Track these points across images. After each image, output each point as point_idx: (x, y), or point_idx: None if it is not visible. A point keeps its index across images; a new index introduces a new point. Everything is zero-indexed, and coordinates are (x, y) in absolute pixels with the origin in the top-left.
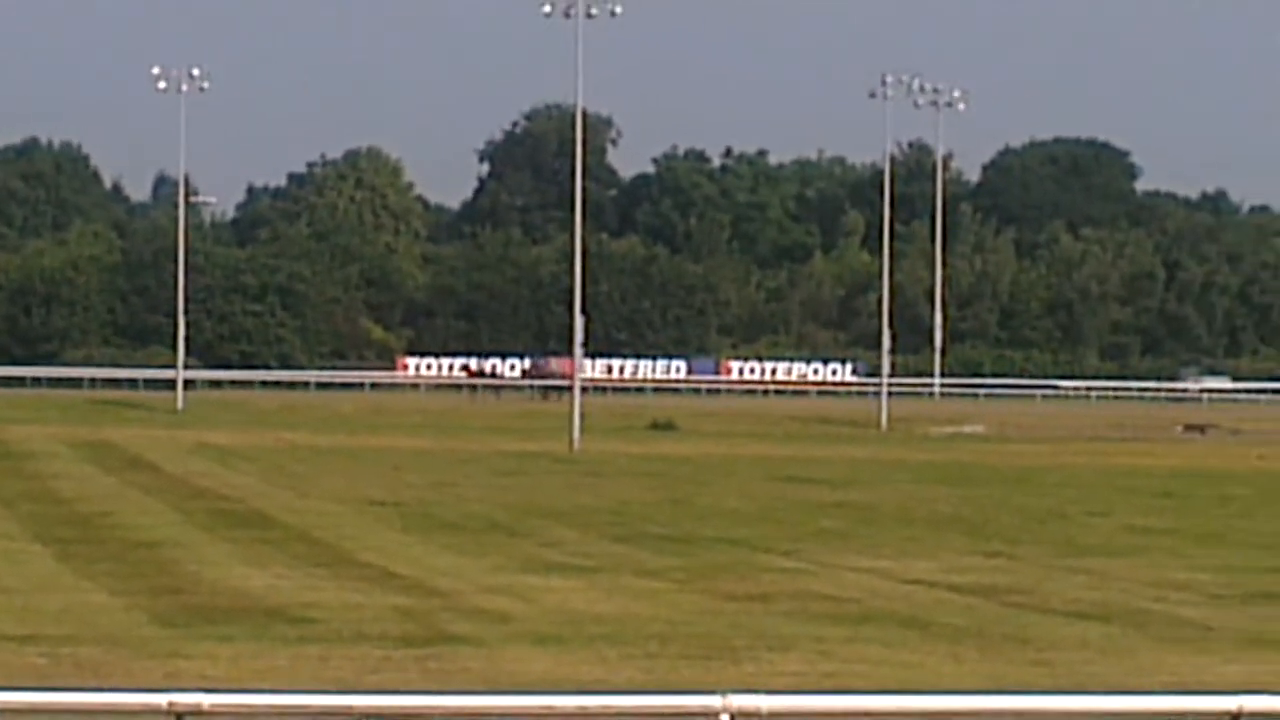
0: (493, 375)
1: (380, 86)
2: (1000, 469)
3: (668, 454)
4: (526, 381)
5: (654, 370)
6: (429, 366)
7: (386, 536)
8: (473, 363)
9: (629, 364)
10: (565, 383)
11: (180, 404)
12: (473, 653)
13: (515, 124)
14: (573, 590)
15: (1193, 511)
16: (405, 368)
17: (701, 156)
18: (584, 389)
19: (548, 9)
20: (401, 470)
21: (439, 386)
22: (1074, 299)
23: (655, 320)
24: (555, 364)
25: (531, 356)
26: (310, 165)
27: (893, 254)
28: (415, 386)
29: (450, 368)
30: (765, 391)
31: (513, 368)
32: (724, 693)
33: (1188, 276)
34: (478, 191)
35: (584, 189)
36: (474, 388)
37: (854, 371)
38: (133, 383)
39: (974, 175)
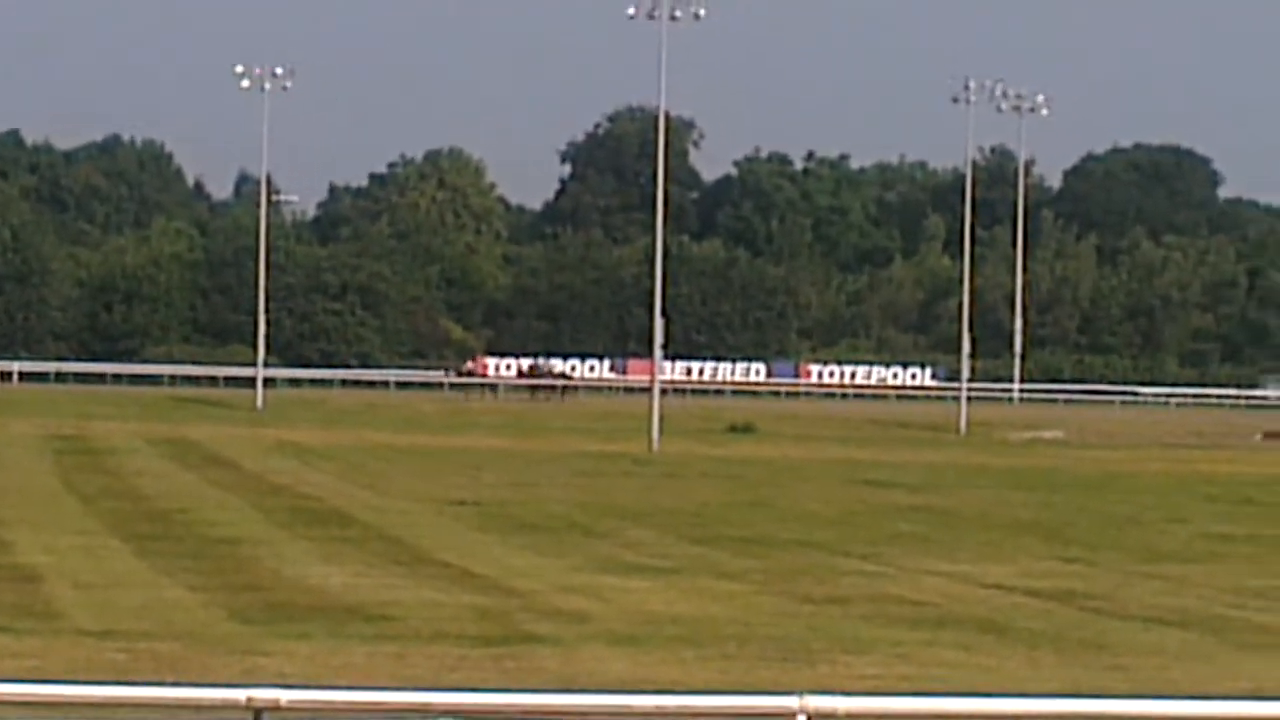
0: (483, 375)
1: (462, 87)
2: (1079, 475)
3: (746, 456)
4: (522, 381)
5: (733, 373)
6: (509, 367)
7: (465, 536)
8: (469, 363)
9: (708, 366)
10: (561, 384)
11: (260, 402)
12: (550, 652)
13: (597, 125)
14: (650, 591)
15: (1272, 519)
16: (485, 368)
17: (783, 159)
18: (663, 391)
19: (631, 11)
20: (480, 470)
21: (519, 387)
22: (1155, 305)
23: (735, 323)
24: (550, 365)
25: (533, 359)
26: (392, 165)
27: (973, 259)
28: (494, 387)
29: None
30: (844, 395)
31: (509, 367)
32: (801, 694)
33: (1269, 284)
34: (559, 193)
35: (665, 191)
36: (466, 387)
37: (933, 376)
38: (213, 380)
39: (1056, 181)
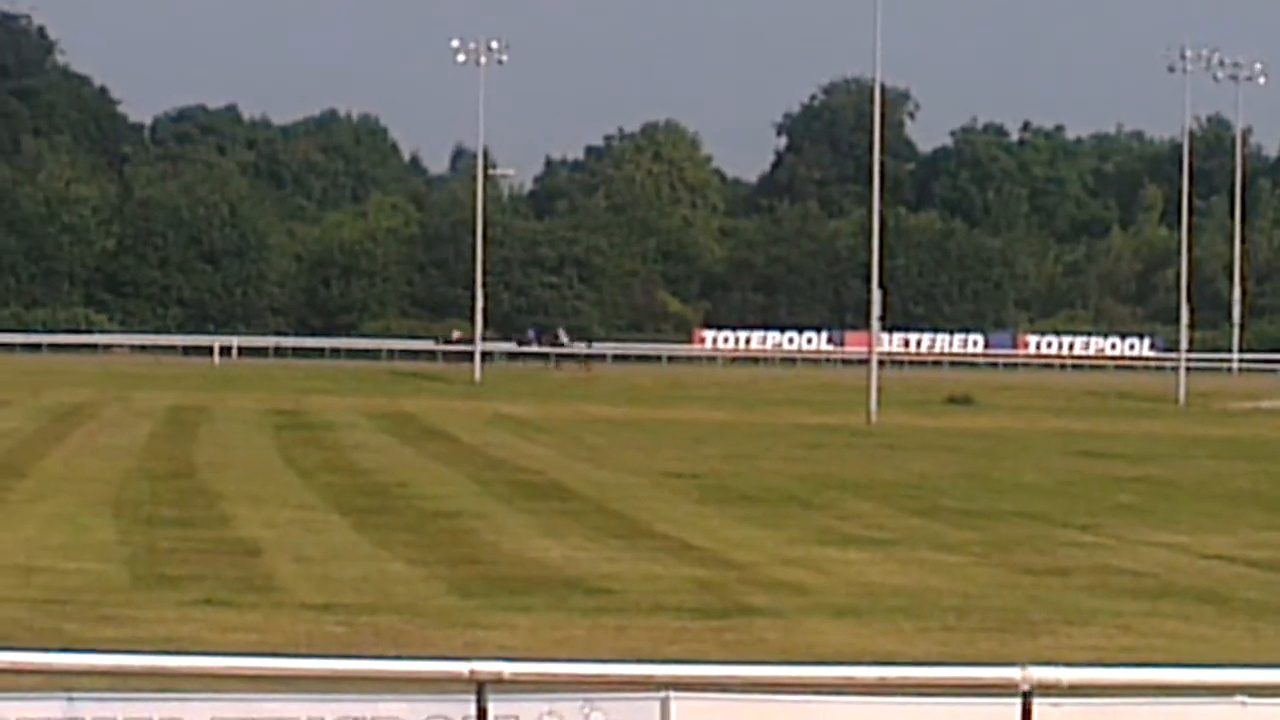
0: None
1: (678, 60)
2: None
3: (964, 428)
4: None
5: (951, 344)
6: (726, 339)
7: (683, 508)
8: (455, 334)
9: (926, 338)
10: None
11: (478, 375)
12: (770, 624)
13: (813, 97)
14: (870, 563)
15: None
16: (702, 341)
17: (1000, 130)
18: (881, 363)
19: None
20: (698, 442)
21: (736, 359)
22: None
23: (952, 294)
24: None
25: (541, 331)
26: (608, 138)
27: (1191, 229)
28: (712, 359)
29: (748, 340)
30: (1062, 366)
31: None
32: (1023, 665)
33: None
34: (775, 165)
35: (882, 163)
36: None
37: (1152, 346)
38: (431, 354)
39: (1274, 150)
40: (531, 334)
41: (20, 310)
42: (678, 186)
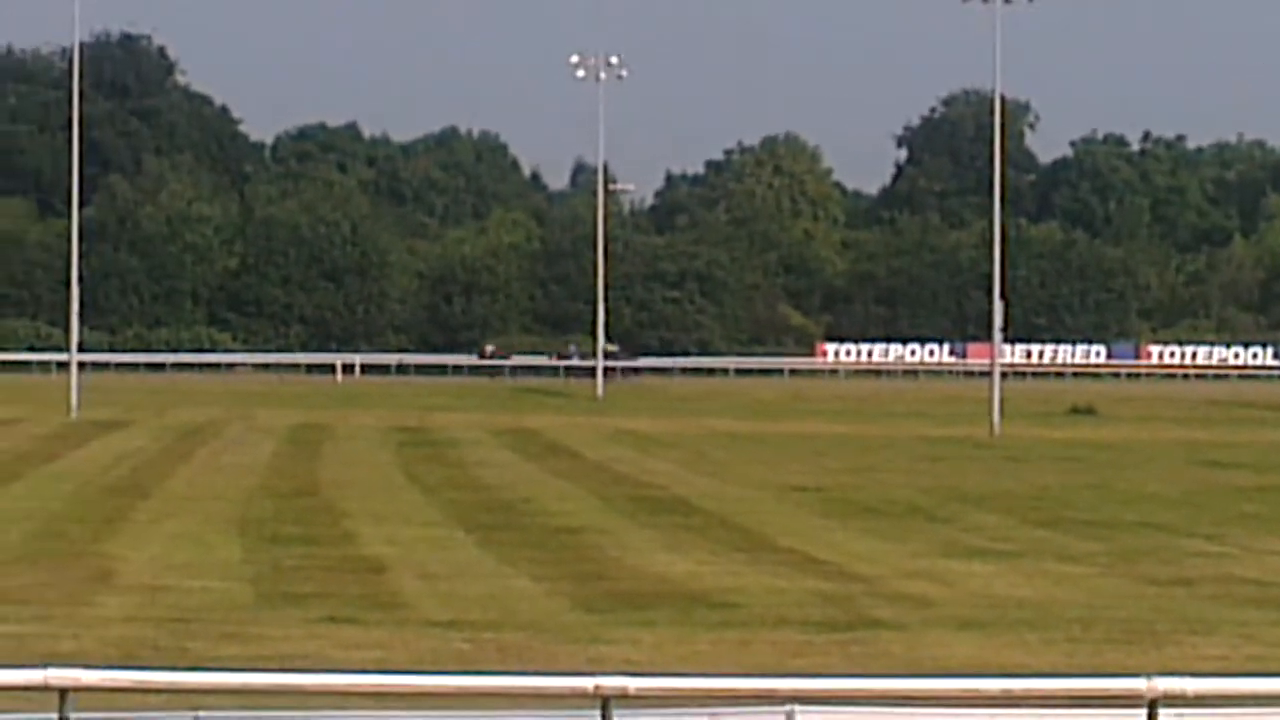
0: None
1: (797, 73)
2: None
3: (1088, 439)
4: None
5: (1073, 355)
6: (848, 352)
7: (806, 521)
8: (487, 348)
9: (1048, 349)
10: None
11: (600, 391)
12: (895, 637)
13: (933, 109)
14: (994, 575)
15: None
16: (824, 354)
17: (1120, 140)
18: (1003, 374)
19: None
20: (821, 456)
21: (859, 372)
22: None
23: (1074, 305)
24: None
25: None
26: (728, 152)
27: None
28: (834, 372)
29: (870, 353)
30: (1185, 376)
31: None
32: (1149, 676)
33: None
34: (896, 177)
35: (1003, 174)
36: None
37: (1275, 355)
38: (554, 370)
39: None
40: (573, 349)
41: (143, 330)
42: (798, 200)
